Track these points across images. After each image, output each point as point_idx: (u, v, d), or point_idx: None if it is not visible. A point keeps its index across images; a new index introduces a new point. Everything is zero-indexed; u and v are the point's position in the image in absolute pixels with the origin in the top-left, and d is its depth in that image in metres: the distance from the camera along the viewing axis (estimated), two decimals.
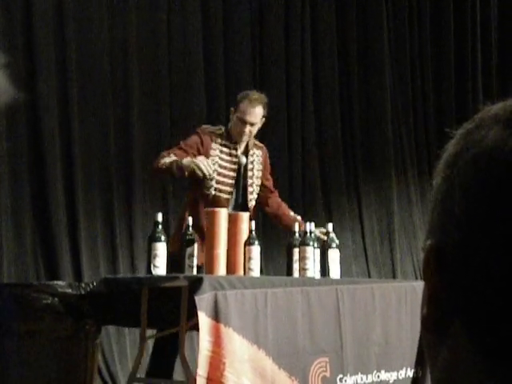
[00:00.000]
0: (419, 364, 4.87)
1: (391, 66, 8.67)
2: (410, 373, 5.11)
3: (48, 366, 4.48)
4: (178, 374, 5.05)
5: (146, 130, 6.89)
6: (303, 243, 5.04)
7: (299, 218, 5.38)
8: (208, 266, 4.62)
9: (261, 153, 5.32)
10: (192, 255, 4.62)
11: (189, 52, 7.18)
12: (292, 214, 5.43)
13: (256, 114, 5.09)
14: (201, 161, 4.78)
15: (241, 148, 5.19)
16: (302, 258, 5.01)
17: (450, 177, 0.67)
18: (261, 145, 5.37)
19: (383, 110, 8.52)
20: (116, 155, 6.69)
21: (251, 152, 5.25)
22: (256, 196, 5.29)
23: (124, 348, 6.43)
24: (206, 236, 4.68)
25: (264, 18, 7.78)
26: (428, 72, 9.01)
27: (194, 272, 4.60)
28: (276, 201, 5.48)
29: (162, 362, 4.89)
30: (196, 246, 4.64)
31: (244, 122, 5.07)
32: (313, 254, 5.04)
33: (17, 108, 6.12)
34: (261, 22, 7.76)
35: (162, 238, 4.61)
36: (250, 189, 5.25)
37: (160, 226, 4.64)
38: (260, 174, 5.31)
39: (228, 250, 4.69)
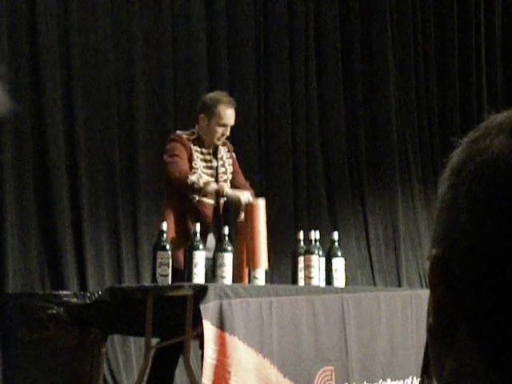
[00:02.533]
0: (425, 372, 4.85)
1: (396, 74, 8.67)
2: (416, 381, 5.09)
3: (53, 375, 4.48)
4: (183, 382, 5.05)
5: (151, 140, 6.89)
6: (308, 252, 5.04)
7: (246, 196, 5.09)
8: (251, 258, 4.68)
9: (226, 148, 5.30)
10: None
11: (193, 57, 7.19)
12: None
13: (233, 116, 5.16)
14: (248, 197, 4.89)
15: (211, 150, 5.21)
16: (307, 267, 5.01)
17: (456, 185, 0.67)
18: (224, 141, 5.32)
19: (388, 118, 8.51)
20: (121, 164, 6.69)
21: (219, 149, 5.24)
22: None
23: (129, 357, 6.42)
24: (248, 229, 4.75)
25: (267, 21, 7.78)
26: (433, 80, 9.01)
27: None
28: (240, 183, 5.34)
29: (163, 371, 4.88)
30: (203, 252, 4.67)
31: (225, 126, 5.11)
32: (318, 262, 5.04)
33: (22, 117, 6.13)
34: (264, 25, 7.76)
35: (167, 246, 4.62)
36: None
37: (165, 235, 4.65)
38: (231, 168, 5.30)
39: (237, 258, 4.75)
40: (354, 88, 8.39)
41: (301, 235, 5.17)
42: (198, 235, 4.63)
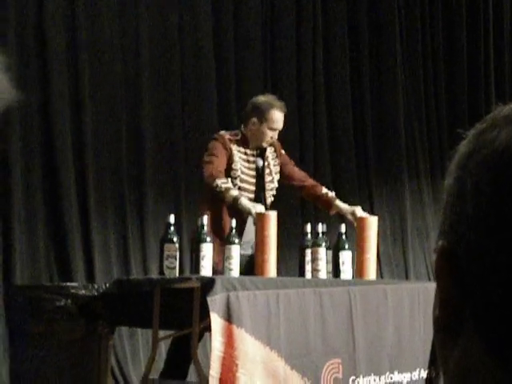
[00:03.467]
0: (433, 365, 4.86)
1: (403, 68, 8.65)
2: (424, 374, 5.10)
3: (61, 367, 4.49)
4: (191, 374, 5.06)
5: (158, 132, 6.90)
6: (315, 244, 5.04)
7: (331, 195, 5.47)
8: (258, 271, 4.72)
9: (273, 148, 5.39)
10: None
11: (200, 55, 7.18)
12: (324, 191, 5.49)
13: (283, 120, 5.28)
14: (260, 209, 4.92)
15: (256, 151, 5.27)
16: (314, 259, 5.01)
17: (462, 177, 0.67)
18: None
19: (395, 111, 8.50)
20: (128, 157, 6.69)
21: (266, 150, 5.33)
22: (275, 192, 5.38)
23: (137, 349, 6.43)
24: (256, 240, 4.79)
25: (275, 20, 7.78)
26: (440, 73, 8.99)
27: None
28: (298, 176, 5.54)
29: (177, 363, 4.90)
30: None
31: (275, 130, 5.22)
32: (325, 255, 5.04)
33: (29, 112, 6.13)
34: (272, 24, 7.76)
35: (175, 239, 4.63)
36: (270, 185, 5.33)
37: (172, 228, 4.66)
38: (278, 168, 5.40)
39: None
40: (361, 83, 8.37)
41: (308, 228, 5.17)
42: (206, 228, 4.64)
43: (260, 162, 5.27)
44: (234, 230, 4.75)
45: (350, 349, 4.79)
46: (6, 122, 5.94)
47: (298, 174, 5.54)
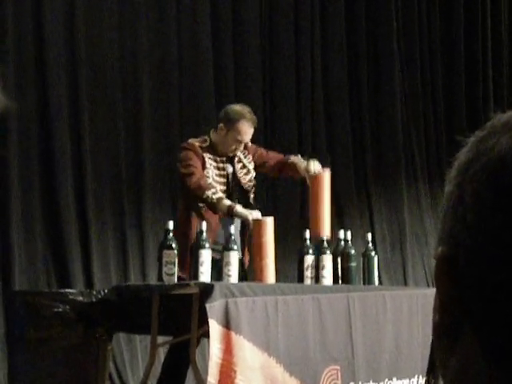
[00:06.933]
0: (431, 371, 4.85)
1: (401, 74, 8.66)
2: (422, 380, 5.09)
3: (59, 373, 4.48)
4: (189, 381, 5.05)
5: (157, 138, 6.90)
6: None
7: (292, 158, 5.33)
8: (257, 276, 4.72)
9: (245, 151, 5.32)
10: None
11: (198, 57, 7.19)
12: (287, 160, 5.33)
13: (251, 134, 5.19)
14: (256, 215, 4.93)
15: (225, 157, 5.25)
16: (313, 266, 5.01)
17: (462, 184, 0.67)
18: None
19: (393, 118, 8.50)
20: (127, 163, 6.70)
21: (237, 155, 5.28)
22: (254, 188, 5.33)
23: (135, 355, 6.43)
24: (254, 246, 4.80)
25: (273, 21, 7.78)
26: (438, 80, 9.00)
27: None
28: (270, 157, 5.44)
29: (175, 370, 4.89)
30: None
31: (240, 142, 5.14)
32: (322, 261, 5.05)
33: (27, 117, 6.14)
34: (270, 25, 7.76)
35: (173, 245, 4.62)
36: (249, 184, 5.28)
37: (171, 234, 4.65)
38: (252, 165, 5.33)
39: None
40: (359, 89, 8.38)
41: (307, 234, 5.17)
42: (204, 234, 4.64)
43: (230, 169, 5.23)
44: (232, 237, 4.74)
45: (348, 355, 4.79)
46: (4, 128, 5.94)
47: (268, 157, 5.39)
